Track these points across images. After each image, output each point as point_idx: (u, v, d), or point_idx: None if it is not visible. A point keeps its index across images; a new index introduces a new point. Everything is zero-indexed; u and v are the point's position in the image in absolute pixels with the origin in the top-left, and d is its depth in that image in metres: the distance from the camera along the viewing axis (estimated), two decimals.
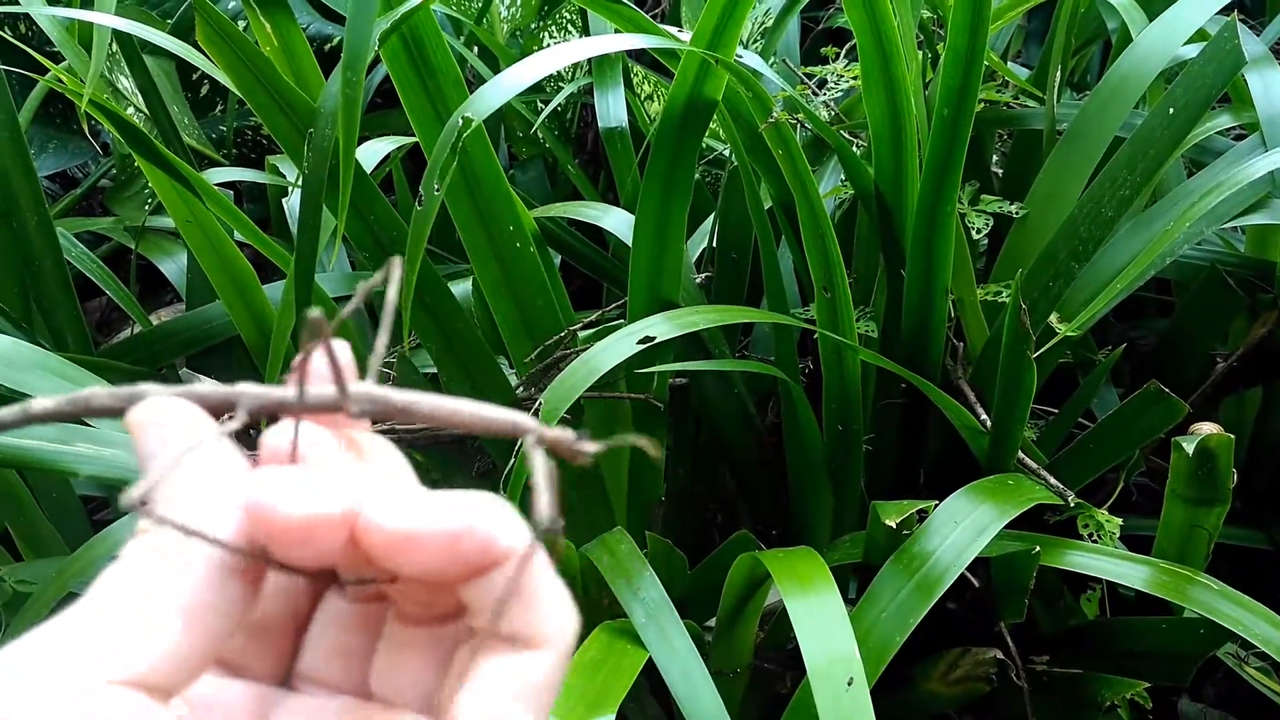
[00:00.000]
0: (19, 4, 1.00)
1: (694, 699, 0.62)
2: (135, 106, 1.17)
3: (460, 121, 0.63)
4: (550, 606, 0.24)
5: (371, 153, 0.96)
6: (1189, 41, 0.88)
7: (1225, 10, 0.90)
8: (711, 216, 1.05)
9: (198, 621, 0.22)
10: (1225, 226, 0.93)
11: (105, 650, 0.22)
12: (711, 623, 0.84)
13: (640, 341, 0.70)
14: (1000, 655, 0.81)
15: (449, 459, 0.98)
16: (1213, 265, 0.93)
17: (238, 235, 0.98)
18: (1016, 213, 0.88)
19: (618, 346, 0.71)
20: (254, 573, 0.23)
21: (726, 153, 1.17)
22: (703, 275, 1.05)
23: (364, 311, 1.13)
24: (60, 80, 0.86)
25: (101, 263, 1.08)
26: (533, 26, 1.28)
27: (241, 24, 1.31)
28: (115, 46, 1.14)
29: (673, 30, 0.84)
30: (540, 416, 0.69)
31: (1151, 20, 0.92)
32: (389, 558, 0.23)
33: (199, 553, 0.23)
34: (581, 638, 0.71)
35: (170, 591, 0.22)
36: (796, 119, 0.96)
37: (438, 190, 0.62)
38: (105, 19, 0.74)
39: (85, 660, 0.22)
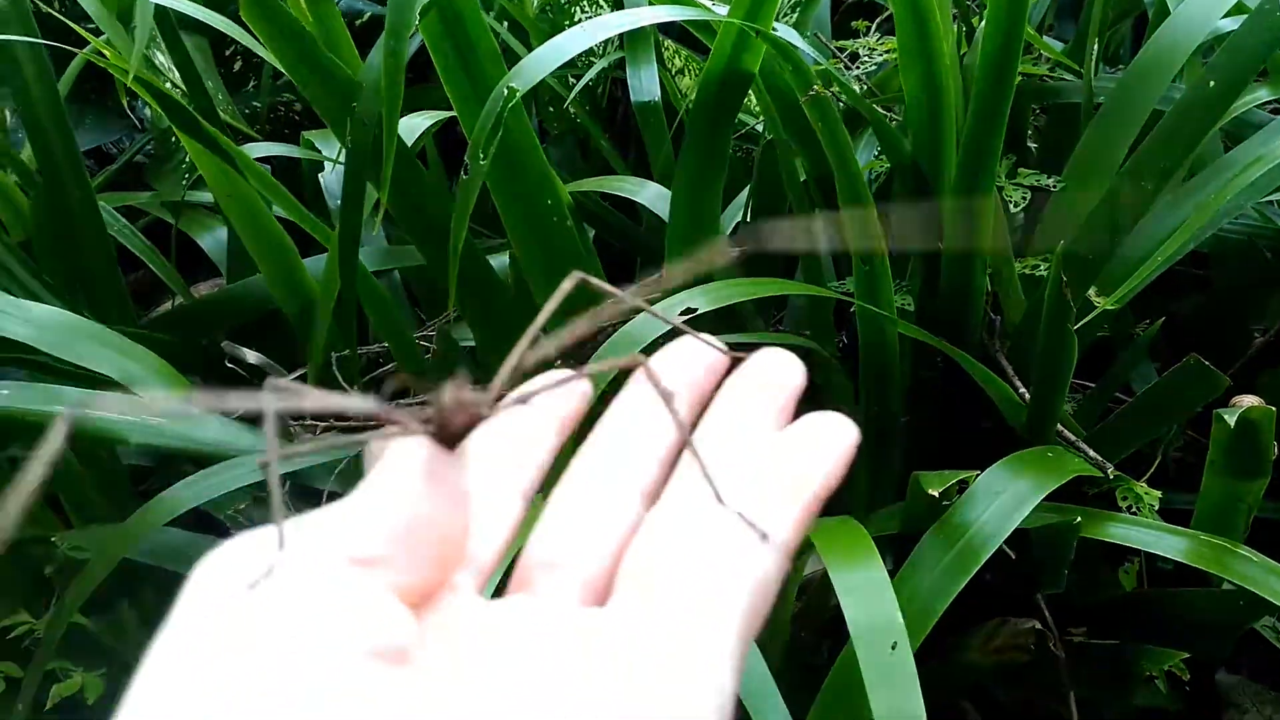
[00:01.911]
0: None
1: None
2: (172, 82, 1.18)
3: (505, 92, 0.63)
4: None
5: (408, 128, 0.97)
6: (1228, 14, 0.88)
7: None
8: (745, 191, 1.05)
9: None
10: (1263, 200, 0.93)
11: (347, 534, 0.25)
12: None
13: (681, 313, 0.71)
14: (1038, 626, 0.81)
15: None
16: (1250, 239, 0.93)
17: (276, 209, 0.99)
18: (1054, 186, 0.88)
19: (656, 320, 0.72)
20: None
21: (759, 128, 1.18)
22: (737, 249, 1.05)
23: (403, 289, 1.15)
24: (102, 55, 0.87)
25: (143, 237, 1.09)
26: (563, 1, 1.28)
27: None
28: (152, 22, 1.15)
29: (707, 3, 0.84)
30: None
31: None
32: None
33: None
34: None
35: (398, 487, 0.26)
36: (833, 92, 0.96)
37: (483, 160, 0.63)
38: None
39: (331, 541, 0.24)
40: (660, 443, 0.32)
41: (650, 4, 0.81)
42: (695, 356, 0.34)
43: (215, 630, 0.22)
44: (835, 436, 0.30)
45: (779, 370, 0.33)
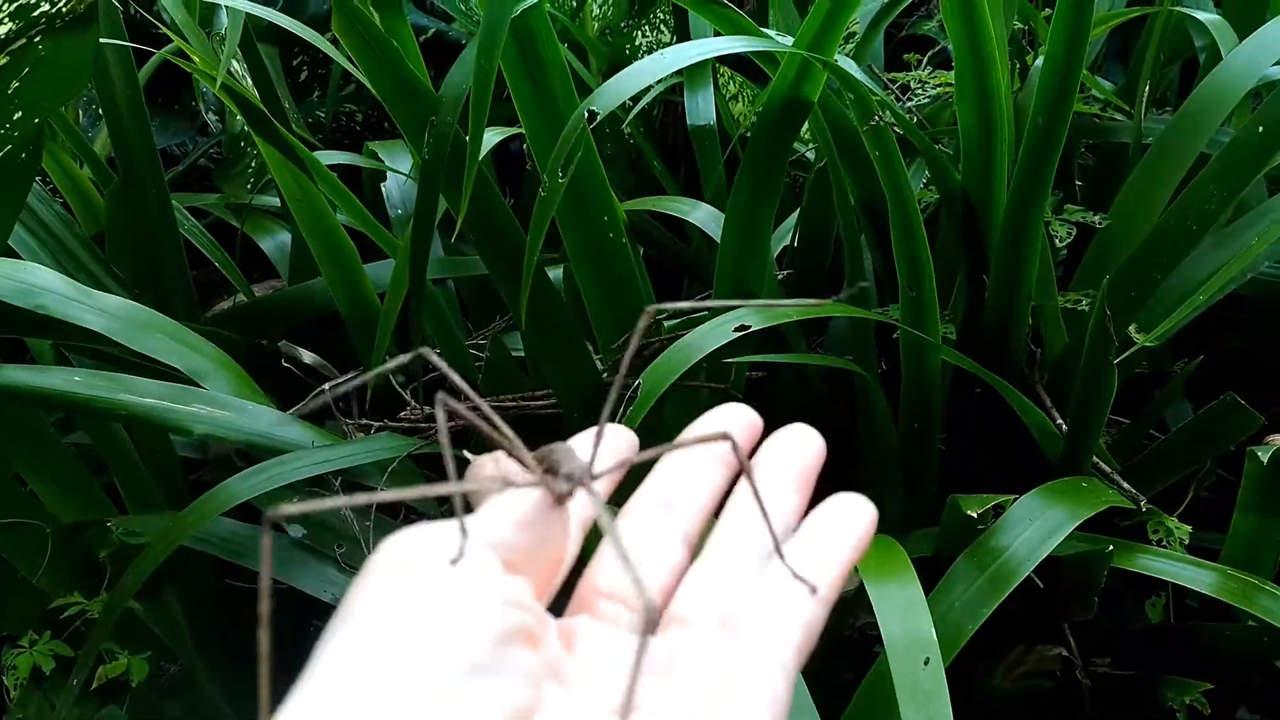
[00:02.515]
0: None
1: None
2: (244, 90, 1.22)
3: (585, 114, 0.67)
4: None
5: None
6: (1279, 63, 0.90)
7: None
8: (794, 215, 1.08)
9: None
10: None
11: (484, 525, 0.29)
12: None
13: (736, 329, 0.73)
14: (1064, 653, 0.83)
15: (534, 437, 1.01)
16: None
17: (340, 215, 1.03)
18: (1100, 223, 0.90)
19: (713, 334, 0.75)
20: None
21: (809, 155, 1.20)
22: (783, 273, 1.08)
23: (455, 294, 1.18)
24: (185, 57, 0.91)
25: (211, 236, 1.13)
26: (623, 25, 1.32)
27: None
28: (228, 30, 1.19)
29: (772, 33, 0.87)
30: (636, 399, 0.73)
31: (1241, 39, 0.93)
32: None
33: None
34: None
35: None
36: (886, 121, 0.98)
37: (562, 179, 0.66)
38: (241, 3, 0.79)
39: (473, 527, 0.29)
40: (703, 496, 0.36)
41: (716, 33, 0.84)
42: (737, 419, 0.38)
43: (397, 607, 0.26)
44: (859, 515, 0.35)
45: (802, 443, 0.38)
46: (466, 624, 0.26)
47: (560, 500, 0.31)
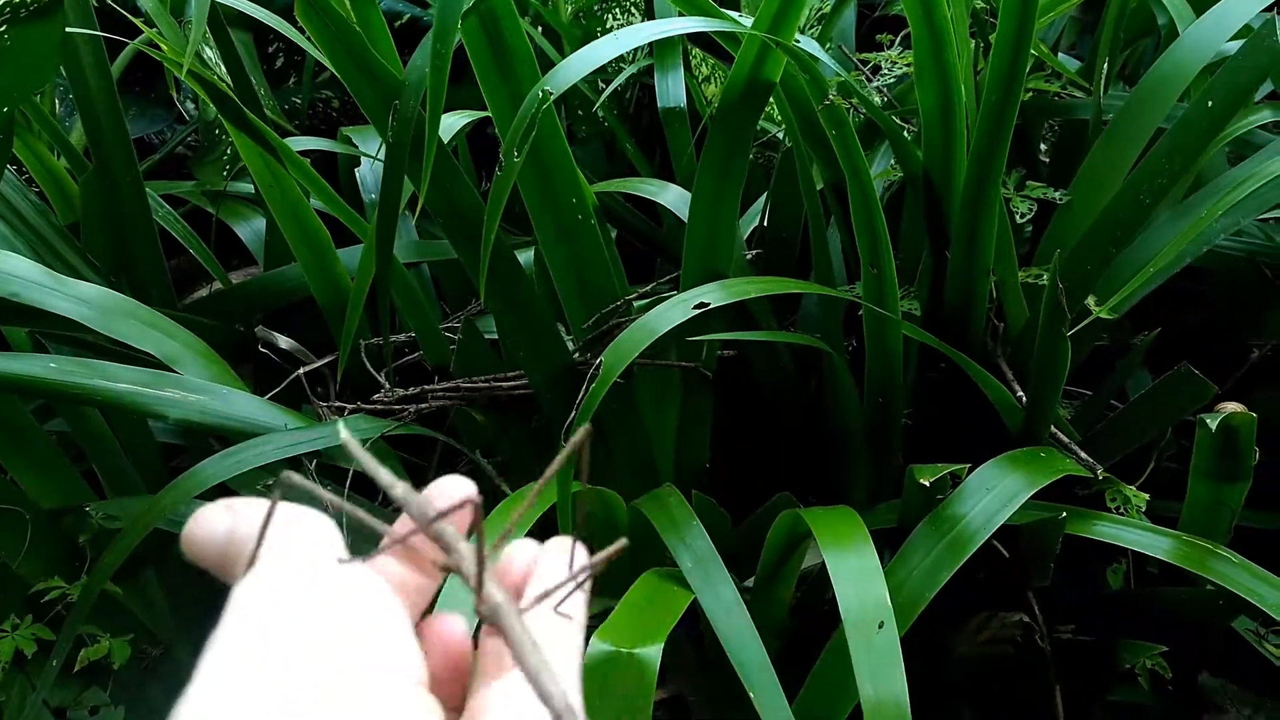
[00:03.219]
0: None
1: (736, 638, 0.67)
2: (219, 77, 1.23)
3: (540, 94, 0.68)
4: None
5: (443, 126, 1.01)
6: (1234, 38, 0.91)
7: (1270, 8, 0.92)
8: (763, 197, 1.09)
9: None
10: (1266, 219, 0.96)
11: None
12: (750, 583, 0.89)
13: (696, 306, 0.75)
14: (1024, 619, 0.85)
15: (508, 419, 1.03)
16: (1250, 256, 0.96)
17: (313, 202, 1.03)
18: (1060, 199, 0.92)
19: (674, 311, 0.76)
20: None
21: (779, 135, 1.21)
22: (752, 253, 1.09)
23: (430, 281, 1.19)
24: (155, 47, 0.92)
25: (187, 224, 1.14)
26: (595, 8, 1.33)
27: None
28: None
29: (734, 15, 0.88)
30: (598, 376, 0.74)
31: (1197, 14, 0.94)
32: None
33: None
34: (628, 584, 0.76)
35: None
36: (850, 103, 1.00)
37: (517, 157, 0.67)
38: None
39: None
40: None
41: (680, 14, 0.85)
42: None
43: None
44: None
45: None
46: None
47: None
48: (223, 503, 0.30)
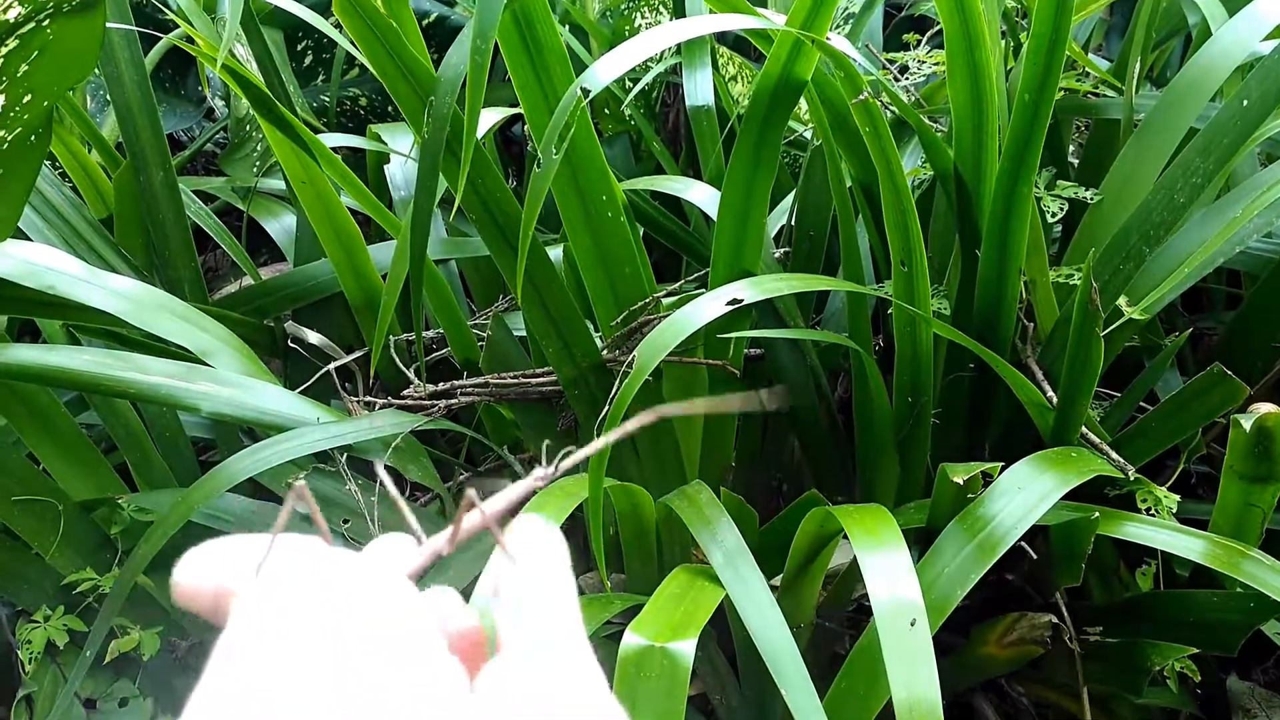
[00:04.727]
0: None
1: (768, 634, 0.67)
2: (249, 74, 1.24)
3: (579, 92, 0.68)
4: None
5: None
6: (1268, 38, 0.91)
7: None
8: (791, 195, 1.09)
9: None
10: None
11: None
12: (777, 581, 0.89)
13: (729, 303, 0.75)
14: (1054, 620, 0.85)
15: (536, 416, 1.03)
16: None
17: (344, 198, 1.04)
18: (1091, 199, 0.91)
19: (706, 308, 0.76)
20: None
21: (807, 135, 1.22)
22: (780, 251, 1.10)
23: (458, 274, 1.20)
24: (191, 41, 0.93)
25: (218, 219, 1.15)
26: (623, 7, 1.33)
27: None
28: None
29: (766, 12, 0.88)
30: (630, 373, 0.74)
31: (1231, 16, 0.94)
32: None
33: None
34: (659, 581, 0.76)
35: None
36: (881, 101, 1.00)
37: (556, 155, 0.68)
38: None
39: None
40: None
41: (711, 12, 0.85)
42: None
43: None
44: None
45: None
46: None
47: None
48: (210, 544, 0.30)
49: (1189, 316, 1.16)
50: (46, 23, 0.69)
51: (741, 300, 0.74)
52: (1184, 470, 0.93)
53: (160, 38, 1.24)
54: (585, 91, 0.68)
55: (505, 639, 0.29)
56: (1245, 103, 0.80)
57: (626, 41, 0.71)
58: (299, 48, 1.51)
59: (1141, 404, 0.97)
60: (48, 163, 1.08)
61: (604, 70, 0.70)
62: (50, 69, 0.71)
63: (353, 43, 0.83)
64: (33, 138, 0.77)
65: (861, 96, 0.76)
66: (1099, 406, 0.95)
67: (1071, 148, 1.18)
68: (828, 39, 0.83)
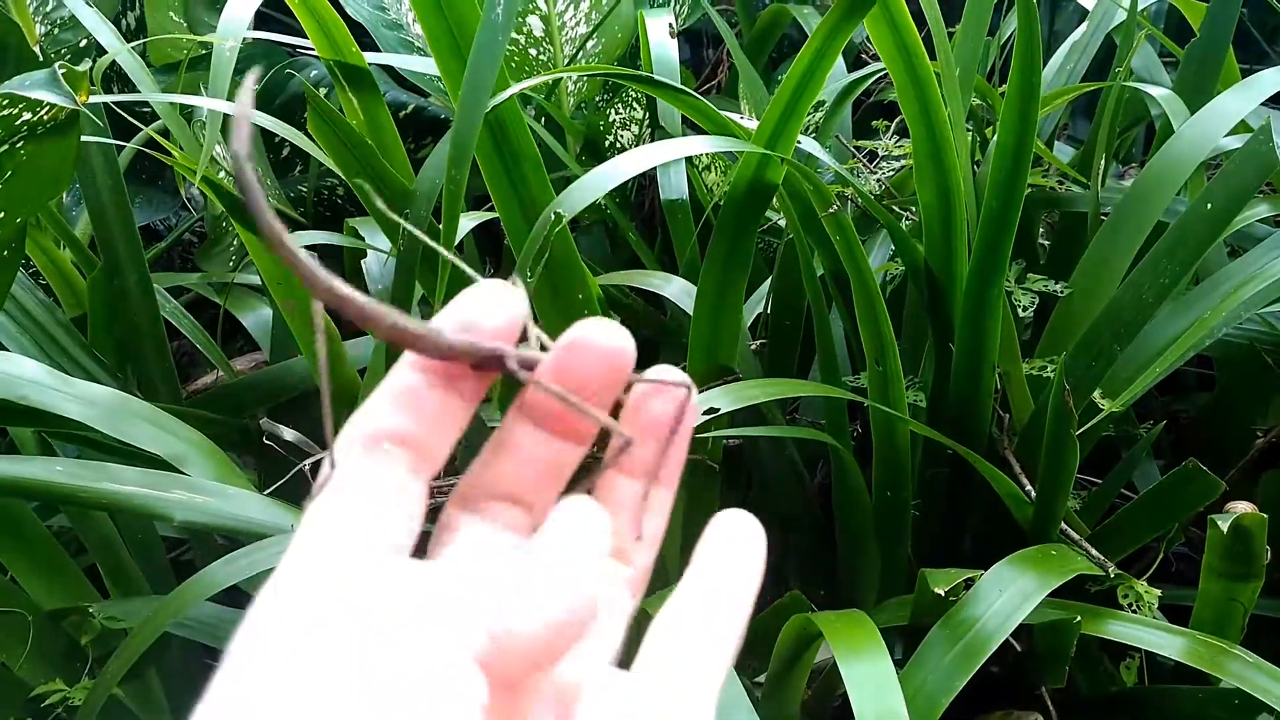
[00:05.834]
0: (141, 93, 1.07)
1: None
2: (225, 170, 1.24)
3: (552, 217, 0.69)
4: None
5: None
6: (1231, 133, 0.93)
7: (1268, 102, 0.94)
8: (767, 284, 1.10)
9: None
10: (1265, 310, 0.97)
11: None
12: (761, 679, 0.88)
13: (705, 412, 0.75)
14: (1040, 718, 0.84)
15: None
16: (1251, 344, 0.97)
17: None
18: (1062, 292, 0.93)
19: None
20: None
21: (782, 223, 1.23)
22: (757, 342, 1.10)
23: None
24: (169, 154, 0.93)
25: (192, 317, 1.14)
26: (598, 101, 1.35)
27: (323, 90, 1.39)
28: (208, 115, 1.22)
29: (737, 118, 0.90)
30: None
31: (1191, 109, 0.96)
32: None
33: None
34: None
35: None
36: (849, 196, 1.01)
37: (531, 278, 0.68)
38: (219, 105, 0.81)
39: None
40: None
41: (683, 118, 0.86)
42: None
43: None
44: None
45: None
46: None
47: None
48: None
49: (1161, 398, 1.17)
50: (20, 144, 0.69)
51: (718, 410, 0.75)
52: (1164, 558, 0.94)
53: (140, 128, 1.24)
54: (559, 216, 0.69)
55: (645, 656, 0.27)
56: (1210, 206, 0.81)
57: (599, 167, 0.72)
58: (276, 139, 1.52)
59: (1123, 491, 0.98)
60: (21, 264, 1.08)
61: (581, 193, 0.71)
62: (23, 189, 0.71)
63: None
64: (5, 252, 0.77)
65: (832, 209, 0.77)
66: (1077, 495, 0.95)
67: (1041, 229, 1.19)
68: (797, 141, 0.85)
